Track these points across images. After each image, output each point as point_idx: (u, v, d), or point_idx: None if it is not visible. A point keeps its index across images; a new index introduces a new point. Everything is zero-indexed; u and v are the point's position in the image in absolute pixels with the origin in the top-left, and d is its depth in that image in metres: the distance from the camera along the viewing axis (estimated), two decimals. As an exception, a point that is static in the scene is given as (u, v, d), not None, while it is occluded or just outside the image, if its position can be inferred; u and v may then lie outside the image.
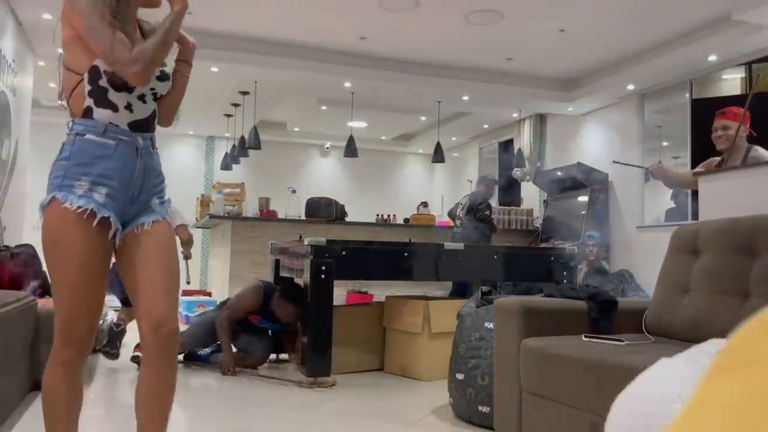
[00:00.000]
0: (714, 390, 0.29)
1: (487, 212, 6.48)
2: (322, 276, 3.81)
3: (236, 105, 8.08)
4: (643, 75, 6.45)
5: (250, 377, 3.94)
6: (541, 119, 8.48)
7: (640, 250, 6.75)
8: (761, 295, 2.12)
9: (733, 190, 3.57)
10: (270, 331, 4.35)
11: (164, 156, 8.66)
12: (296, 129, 10.01)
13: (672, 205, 6.68)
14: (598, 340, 2.25)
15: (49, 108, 8.71)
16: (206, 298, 7.39)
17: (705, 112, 6.40)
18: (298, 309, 4.08)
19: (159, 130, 1.90)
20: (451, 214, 6.97)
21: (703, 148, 6.23)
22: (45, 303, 3.50)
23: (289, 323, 4.20)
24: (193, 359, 4.33)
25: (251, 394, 3.53)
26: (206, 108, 8.47)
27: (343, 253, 3.94)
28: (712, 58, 5.87)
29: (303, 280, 3.95)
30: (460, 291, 6.11)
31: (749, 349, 0.31)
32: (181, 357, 4.17)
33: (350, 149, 7.40)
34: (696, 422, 0.28)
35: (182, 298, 7.29)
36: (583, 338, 2.30)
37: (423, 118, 9.19)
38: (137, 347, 4.01)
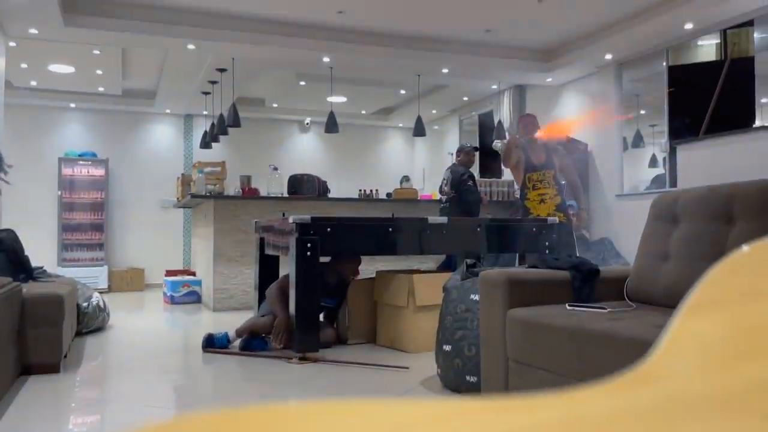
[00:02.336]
0: (689, 326, 0.32)
1: (470, 182, 6.36)
2: (308, 253, 3.83)
3: (213, 82, 7.98)
4: (620, 44, 6.48)
5: (236, 356, 3.97)
6: (520, 90, 8.50)
7: (620, 218, 6.86)
8: (738, 260, 2.18)
9: (711, 158, 3.64)
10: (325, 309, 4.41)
11: (141, 136, 8.60)
12: (275, 105, 9.91)
13: (660, 171, 6.77)
14: (581, 308, 2.30)
15: (21, 89, 8.53)
16: (191, 277, 7.38)
17: (682, 78, 6.47)
18: (358, 260, 4.46)
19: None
20: (441, 191, 6.93)
21: (681, 115, 6.32)
22: (30, 289, 3.49)
23: (355, 277, 4.50)
24: (248, 348, 4.05)
25: (241, 371, 3.57)
26: (183, 86, 8.35)
27: (328, 229, 3.96)
28: (688, 26, 5.91)
29: (290, 256, 3.96)
30: (450, 263, 6.14)
31: (720, 289, 0.34)
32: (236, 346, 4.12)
33: (331, 124, 7.36)
34: (674, 355, 0.30)
35: (167, 279, 7.28)
36: (567, 307, 2.36)
37: (403, 92, 9.15)
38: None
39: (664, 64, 6.48)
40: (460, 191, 6.24)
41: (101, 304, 5.00)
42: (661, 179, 6.68)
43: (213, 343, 4.09)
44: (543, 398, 0.26)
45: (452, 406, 0.25)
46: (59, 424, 2.57)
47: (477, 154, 6.87)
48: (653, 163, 6.93)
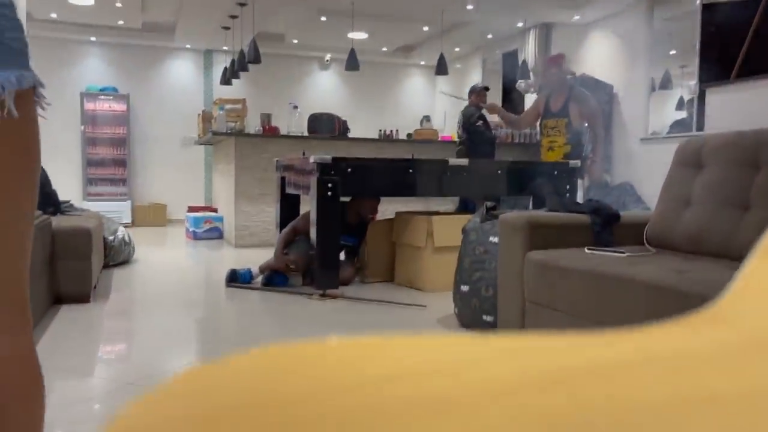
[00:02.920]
0: (762, 268, 0.33)
1: (480, 123, 6.25)
2: (329, 193, 3.86)
3: (234, 17, 7.85)
4: (654, -20, 6.22)
5: (259, 291, 4.08)
6: (546, 29, 8.25)
7: (643, 163, 6.77)
8: (762, 207, 2.17)
9: (741, 103, 3.55)
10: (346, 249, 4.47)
11: (161, 71, 8.52)
12: (295, 41, 9.76)
13: (681, 116, 6.61)
14: (601, 252, 2.32)
15: (41, 21, 8.48)
16: (213, 214, 7.50)
17: (715, 18, 6.23)
18: (377, 200, 4.52)
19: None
20: (457, 133, 6.85)
21: (713, 56, 6.12)
22: (58, 222, 3.58)
23: (374, 216, 4.59)
24: (270, 284, 4.20)
25: (263, 305, 3.68)
26: (203, 19, 8.23)
27: (349, 170, 3.97)
28: (727, -39, 5.65)
29: (311, 196, 4.00)
30: (466, 206, 6.12)
31: None
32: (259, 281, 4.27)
33: (351, 62, 7.25)
34: (748, 296, 0.31)
35: (189, 215, 7.39)
36: (586, 251, 2.37)
37: (425, 28, 8.94)
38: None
39: (698, 1, 6.23)
40: (470, 132, 6.16)
41: (127, 238, 5.12)
42: (683, 124, 6.53)
43: (236, 279, 4.20)
44: (613, 336, 0.26)
45: (519, 342, 0.26)
46: (91, 349, 2.69)
47: (487, 94, 6.65)
48: (681, 106, 6.77)
